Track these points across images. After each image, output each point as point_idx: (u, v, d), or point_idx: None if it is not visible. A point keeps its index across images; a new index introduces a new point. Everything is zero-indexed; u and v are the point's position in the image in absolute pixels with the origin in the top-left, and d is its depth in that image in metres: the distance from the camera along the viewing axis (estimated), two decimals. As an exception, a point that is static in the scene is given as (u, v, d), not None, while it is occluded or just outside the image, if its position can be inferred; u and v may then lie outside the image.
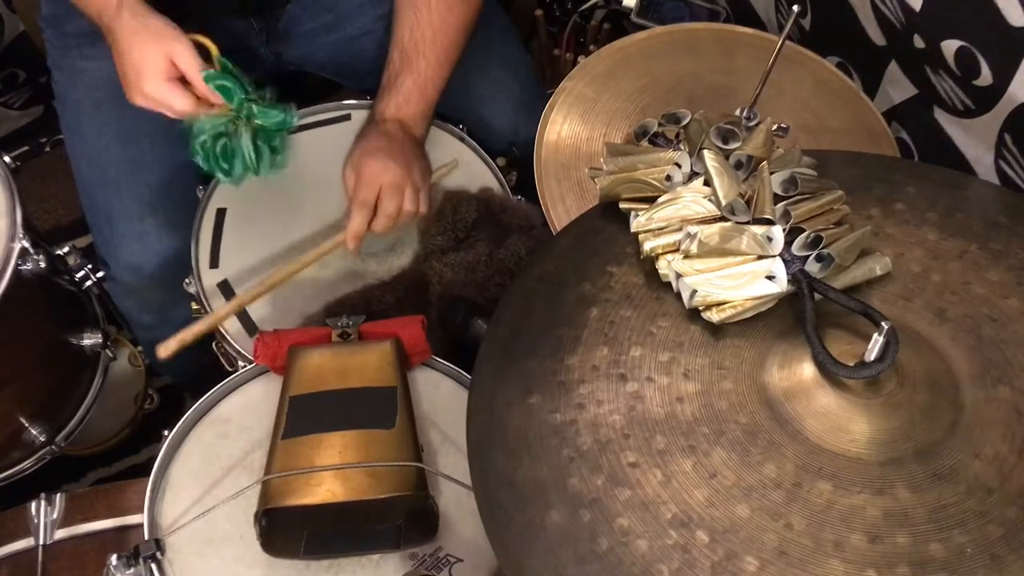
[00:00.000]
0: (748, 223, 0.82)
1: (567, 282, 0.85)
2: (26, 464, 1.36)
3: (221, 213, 1.25)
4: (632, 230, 0.85)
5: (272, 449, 0.96)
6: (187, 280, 1.19)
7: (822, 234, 0.80)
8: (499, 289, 1.14)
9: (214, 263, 1.21)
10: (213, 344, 1.23)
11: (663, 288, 0.83)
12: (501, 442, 0.75)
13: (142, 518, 0.96)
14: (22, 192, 1.18)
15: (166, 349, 1.09)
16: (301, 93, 1.51)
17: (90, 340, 1.37)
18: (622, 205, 0.88)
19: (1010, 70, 1.06)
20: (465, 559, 0.95)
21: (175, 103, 1.06)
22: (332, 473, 0.92)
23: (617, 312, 0.82)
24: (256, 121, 1.09)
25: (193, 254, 1.21)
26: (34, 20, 1.92)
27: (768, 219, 0.82)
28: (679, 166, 0.88)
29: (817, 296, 0.79)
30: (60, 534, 1.06)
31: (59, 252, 1.29)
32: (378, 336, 1.06)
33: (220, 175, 1.12)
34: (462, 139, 1.32)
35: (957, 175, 0.98)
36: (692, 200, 0.84)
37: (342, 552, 0.95)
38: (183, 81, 1.07)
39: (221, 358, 1.25)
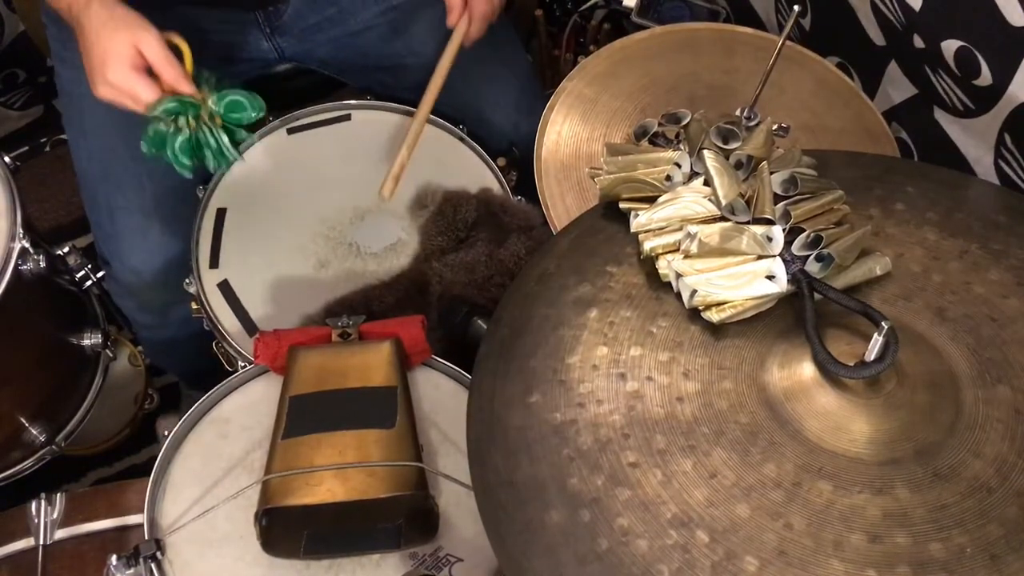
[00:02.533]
0: (748, 223, 0.82)
1: (567, 282, 0.85)
2: (26, 464, 1.36)
3: (221, 213, 1.24)
4: (632, 230, 0.86)
5: (272, 449, 0.96)
6: (187, 280, 1.19)
7: (822, 234, 0.80)
8: (499, 289, 1.14)
9: (214, 263, 1.21)
10: (213, 344, 1.23)
11: (663, 288, 0.83)
12: (501, 442, 0.75)
13: (142, 518, 0.96)
14: (22, 192, 1.18)
15: (388, 191, 1.15)
16: (301, 93, 1.52)
17: (90, 340, 1.37)
18: (622, 205, 0.88)
19: (1010, 70, 1.06)
20: (465, 559, 0.95)
21: (140, 92, 1.03)
22: (332, 473, 0.92)
23: (617, 312, 0.82)
24: (216, 113, 1.06)
25: (193, 254, 1.21)
26: (34, 20, 1.92)
27: (768, 219, 0.82)
28: (679, 166, 0.88)
29: (817, 296, 0.79)
30: (60, 534, 1.06)
31: (59, 252, 1.29)
32: (378, 336, 1.06)
33: (176, 167, 1.09)
34: (462, 139, 1.32)
35: (957, 175, 0.98)
36: (692, 200, 0.84)
37: (342, 552, 0.95)
38: (151, 74, 1.04)
39: (221, 358, 1.25)
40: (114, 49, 1.03)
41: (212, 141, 1.06)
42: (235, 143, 1.08)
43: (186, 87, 1.03)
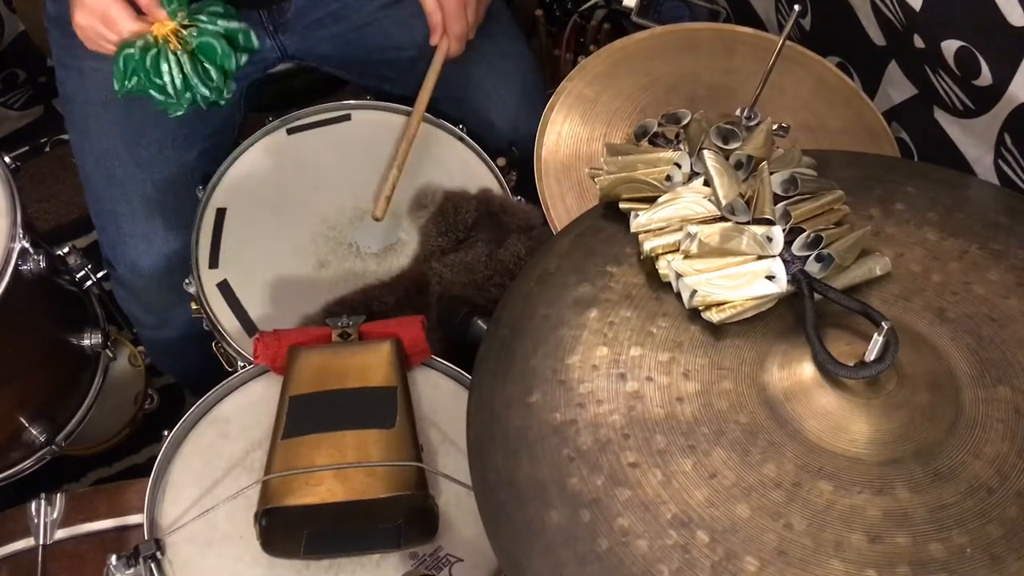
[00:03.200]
0: (748, 223, 0.82)
1: (567, 282, 0.85)
2: (26, 464, 1.36)
3: (221, 213, 1.24)
4: (632, 230, 0.85)
5: (272, 449, 0.96)
6: (187, 280, 1.19)
7: (822, 234, 0.80)
8: (499, 289, 1.14)
9: (214, 263, 1.21)
10: (213, 344, 1.23)
11: (663, 288, 0.83)
12: (501, 442, 0.75)
13: (142, 518, 0.96)
14: (22, 192, 1.18)
15: (381, 211, 1.17)
16: (301, 93, 1.52)
17: (90, 340, 1.37)
18: (622, 205, 0.88)
19: (1010, 70, 1.06)
20: (465, 559, 0.95)
21: (114, 14, 1.01)
22: (332, 473, 0.92)
23: (617, 312, 0.82)
24: (196, 40, 1.02)
25: (193, 254, 1.21)
26: (34, 20, 1.92)
27: (768, 219, 0.82)
28: (679, 166, 0.88)
29: (817, 296, 0.79)
30: (60, 534, 1.06)
31: (59, 252, 1.29)
32: (378, 336, 1.06)
33: (154, 96, 1.04)
34: (461, 139, 1.32)
35: (957, 175, 0.98)
36: (692, 200, 0.84)
37: (342, 552, 0.95)
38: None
39: (221, 358, 1.25)
40: None
41: (181, 73, 1.02)
42: (214, 79, 1.04)
43: (159, 12, 1.00)
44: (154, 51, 1.02)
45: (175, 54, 1.02)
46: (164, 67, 1.02)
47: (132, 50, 1.02)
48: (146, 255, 1.27)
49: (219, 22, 1.03)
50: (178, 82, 1.03)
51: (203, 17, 1.03)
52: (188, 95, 1.04)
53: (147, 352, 1.65)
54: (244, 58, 1.06)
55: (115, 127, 1.26)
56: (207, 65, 1.03)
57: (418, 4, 1.25)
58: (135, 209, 1.26)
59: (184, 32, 1.02)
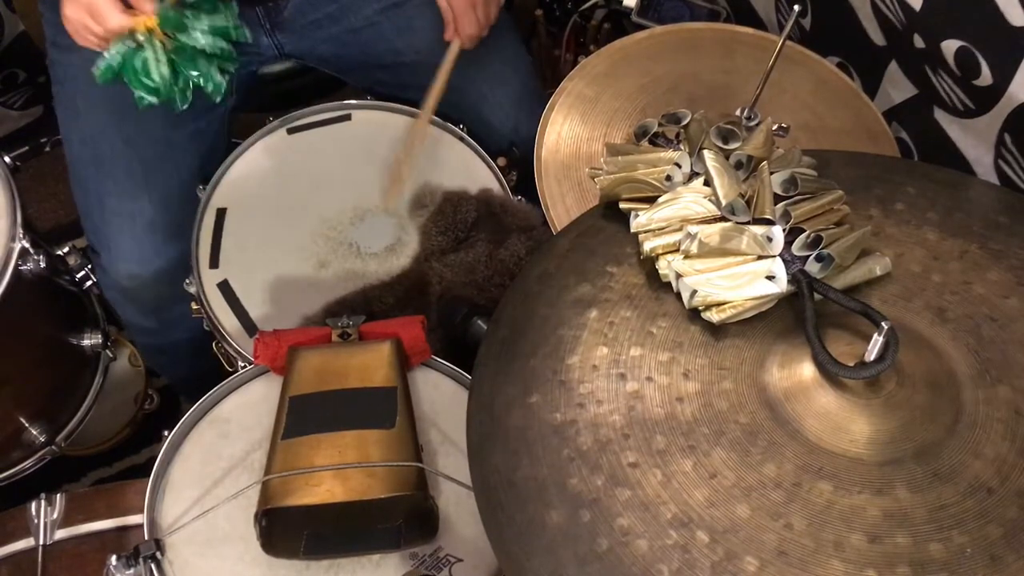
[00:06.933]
0: (748, 223, 0.82)
1: (567, 282, 0.85)
2: (26, 464, 1.36)
3: (221, 213, 1.25)
4: (632, 230, 0.85)
5: (272, 449, 0.96)
6: (187, 280, 1.19)
7: (822, 234, 0.80)
8: (499, 289, 1.14)
9: (214, 263, 1.21)
10: (213, 344, 1.23)
11: (663, 288, 0.83)
12: (501, 442, 0.75)
13: (142, 518, 0.96)
14: (22, 192, 1.18)
15: (391, 198, 1.22)
16: (301, 93, 1.52)
17: (90, 340, 1.37)
18: (622, 205, 0.88)
19: (1010, 70, 1.06)
20: (465, 559, 0.95)
21: (102, 6, 0.99)
22: (332, 473, 0.92)
23: (617, 312, 0.82)
24: (181, 38, 1.01)
25: (193, 254, 1.21)
26: (34, 20, 1.92)
27: (768, 219, 0.82)
28: (679, 166, 0.88)
29: (817, 296, 0.79)
30: (60, 534, 1.06)
31: (59, 252, 1.29)
32: (378, 336, 1.06)
33: (141, 93, 1.04)
34: (462, 139, 1.32)
35: (957, 175, 0.98)
36: (692, 200, 0.84)
37: (342, 552, 0.95)
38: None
39: (221, 358, 1.25)
40: None
41: (166, 70, 1.02)
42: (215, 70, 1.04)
43: (146, 5, 0.99)
44: (140, 50, 1.01)
45: (161, 47, 1.01)
46: (151, 63, 1.01)
47: (116, 54, 1.01)
48: (129, 238, 1.24)
49: (203, 18, 1.03)
50: (166, 75, 1.02)
51: (188, 12, 1.02)
52: (177, 88, 1.04)
53: (145, 355, 1.64)
54: (234, 24, 1.05)
55: (103, 105, 1.24)
56: (194, 58, 1.03)
57: (417, 9, 1.24)
58: (121, 188, 1.24)
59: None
